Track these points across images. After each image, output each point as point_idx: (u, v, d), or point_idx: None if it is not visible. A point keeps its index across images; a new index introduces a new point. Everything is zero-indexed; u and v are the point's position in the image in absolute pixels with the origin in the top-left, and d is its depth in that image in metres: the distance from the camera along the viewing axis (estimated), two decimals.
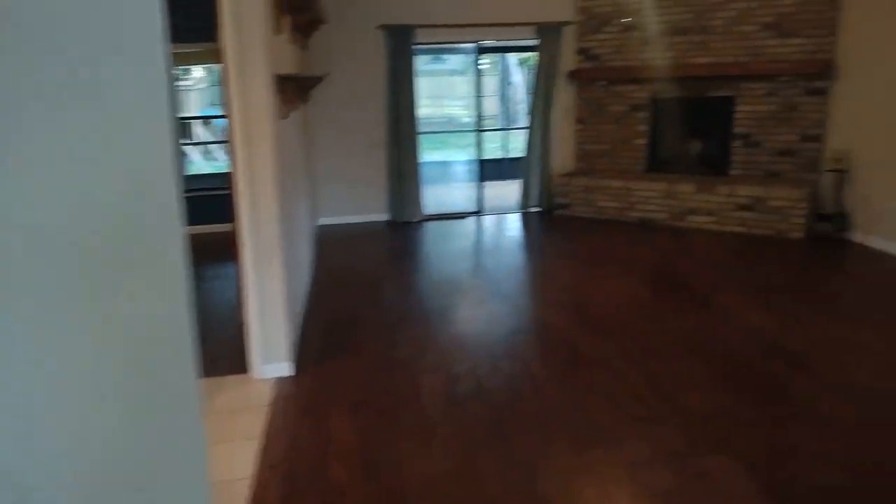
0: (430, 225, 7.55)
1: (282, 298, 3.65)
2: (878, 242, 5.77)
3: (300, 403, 3.42)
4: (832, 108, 6.33)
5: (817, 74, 6.27)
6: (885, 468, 2.70)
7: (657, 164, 7.55)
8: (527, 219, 7.80)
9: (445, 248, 6.50)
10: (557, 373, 3.66)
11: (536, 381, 3.56)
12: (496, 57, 12.94)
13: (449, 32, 7.44)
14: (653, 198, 7.03)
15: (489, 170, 11.28)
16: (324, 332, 4.37)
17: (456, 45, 8.20)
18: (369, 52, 7.34)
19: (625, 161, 7.66)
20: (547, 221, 7.58)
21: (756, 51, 6.60)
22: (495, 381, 3.56)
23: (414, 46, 7.28)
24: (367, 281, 5.48)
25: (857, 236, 6.02)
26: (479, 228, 7.48)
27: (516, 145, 13.16)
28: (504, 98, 13.20)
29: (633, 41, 7.30)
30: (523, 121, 15.18)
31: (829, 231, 6.11)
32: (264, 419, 3.25)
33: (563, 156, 8.03)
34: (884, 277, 5.15)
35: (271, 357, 3.70)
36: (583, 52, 7.68)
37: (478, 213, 8.14)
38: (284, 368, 3.72)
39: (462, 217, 7.97)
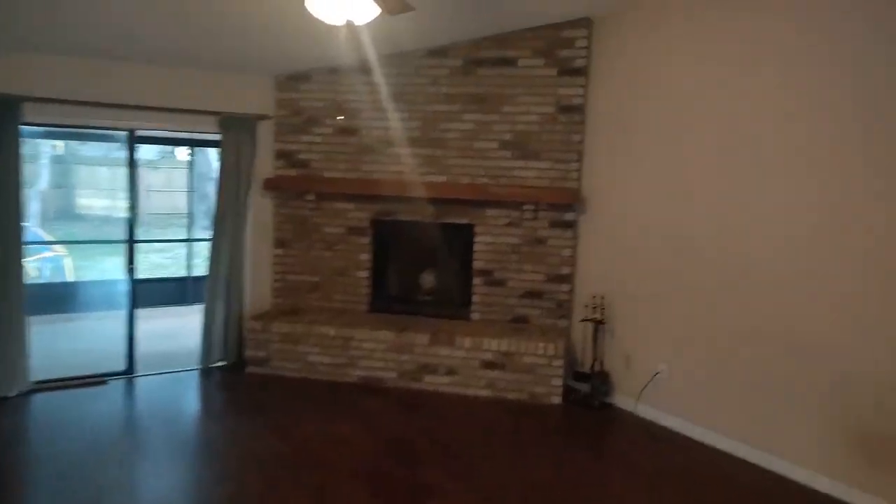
0: (40, 402, 4.78)
1: None
2: (648, 412, 4.74)
3: None
4: (581, 244, 5.40)
5: (565, 205, 5.32)
6: None
7: (384, 302, 5.93)
8: (206, 382, 5.48)
9: (47, 468, 3.89)
10: None
11: None
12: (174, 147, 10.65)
13: (82, 112, 5.08)
14: (378, 350, 5.32)
15: (156, 294, 8.71)
16: None
17: (98, 131, 5.80)
18: None
19: (342, 299, 5.91)
20: (234, 386, 5.36)
21: (496, 173, 5.48)
22: None
23: (23, 126, 4.76)
24: None
25: (623, 401, 4.96)
26: (128, 407, 4.96)
27: (200, 261, 10.75)
28: (192, 201, 10.83)
29: (351, 148, 5.76)
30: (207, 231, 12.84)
31: (589, 395, 4.98)
32: None
33: (259, 289, 5.99)
34: (671, 465, 4.01)
35: None
36: (284, 155, 5.90)
37: (128, 373, 5.57)
38: None
39: (100, 382, 5.32)
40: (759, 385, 4.01)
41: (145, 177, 16.92)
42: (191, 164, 8.44)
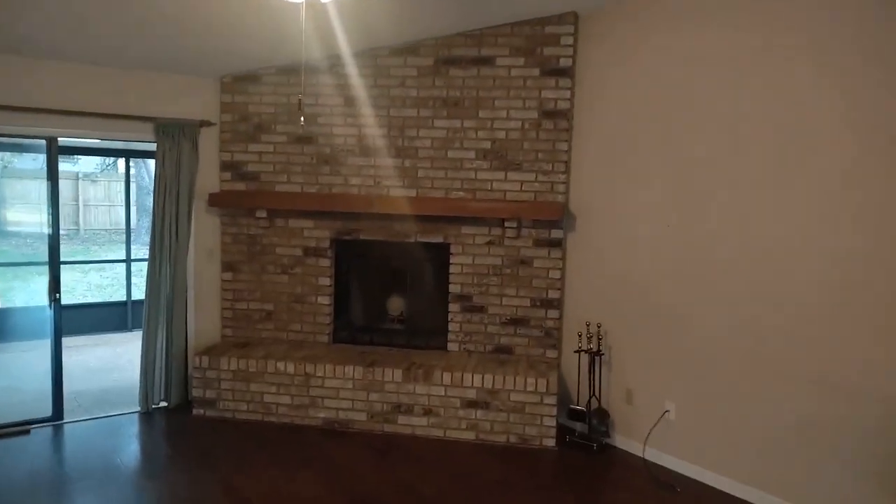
0: None
1: None
2: (655, 456, 4.20)
3: None
4: (571, 265, 4.84)
5: (551, 221, 4.77)
6: None
7: (348, 332, 5.28)
8: (146, 429, 4.73)
9: None
10: None
11: None
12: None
13: None
14: (344, 389, 4.67)
15: (92, 320, 7.86)
16: None
17: (11, 139, 5.00)
18: None
19: (300, 329, 5.22)
20: (178, 433, 4.62)
21: (473, 185, 4.90)
22: None
23: None
24: None
25: (625, 442, 4.41)
26: (54, 462, 4.18)
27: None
28: (132, 216, 9.94)
29: (308, 159, 5.10)
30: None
31: (586, 435, 4.42)
32: None
33: (205, 319, 5.26)
34: None
35: None
36: (231, 167, 5.21)
37: (55, 419, 4.77)
38: None
39: (22, 432, 4.53)
40: (785, 427, 3.50)
41: (84, 190, 15.88)
42: (127, 176, 7.62)
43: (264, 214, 5.10)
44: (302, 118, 3.24)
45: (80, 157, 14.05)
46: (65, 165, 15.70)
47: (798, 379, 3.44)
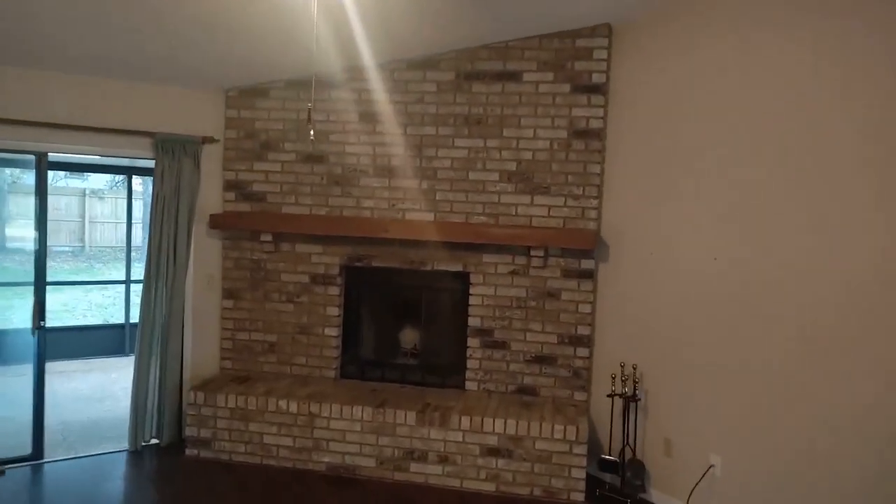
0: None
1: None
2: None
3: None
4: (603, 299, 4.43)
5: (581, 250, 4.36)
6: None
7: (357, 367, 4.87)
8: (133, 471, 4.32)
9: None
10: None
11: None
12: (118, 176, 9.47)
13: None
14: (352, 431, 4.25)
15: (87, 343, 7.46)
16: None
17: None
18: None
19: (305, 363, 4.82)
20: (168, 477, 4.20)
21: (496, 210, 4.51)
22: None
23: None
24: None
25: (662, 498, 3.95)
26: None
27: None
28: (133, 234, 9.61)
29: (318, 179, 4.74)
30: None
31: (619, 489, 3.97)
32: None
33: (203, 350, 4.87)
34: None
35: None
36: (235, 186, 4.85)
37: (35, 458, 4.37)
38: None
39: None
40: (855, 490, 3.05)
41: (91, 207, 15.64)
42: (129, 193, 7.29)
43: (269, 238, 4.72)
44: (311, 132, 2.85)
45: (88, 173, 13.84)
46: (73, 181, 15.48)
47: (877, 433, 2.99)
